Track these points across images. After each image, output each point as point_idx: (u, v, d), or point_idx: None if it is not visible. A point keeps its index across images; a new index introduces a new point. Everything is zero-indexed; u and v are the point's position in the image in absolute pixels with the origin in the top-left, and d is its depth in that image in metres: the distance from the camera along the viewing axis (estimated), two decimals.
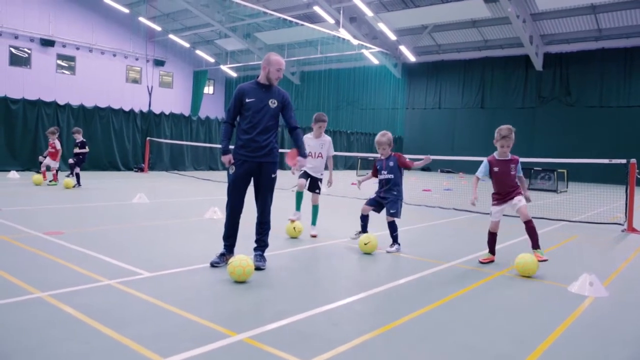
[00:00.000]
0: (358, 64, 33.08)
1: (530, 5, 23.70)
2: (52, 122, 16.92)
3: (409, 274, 5.16)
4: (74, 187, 12.03)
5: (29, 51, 29.41)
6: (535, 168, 17.97)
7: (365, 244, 6.05)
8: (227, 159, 5.14)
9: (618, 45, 24.23)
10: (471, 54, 29.17)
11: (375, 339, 3.35)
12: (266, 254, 5.29)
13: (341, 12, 26.70)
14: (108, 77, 32.69)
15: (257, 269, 4.93)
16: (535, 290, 4.84)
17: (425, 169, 30.95)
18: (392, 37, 28.48)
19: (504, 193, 5.74)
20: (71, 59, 31.33)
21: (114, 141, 18.91)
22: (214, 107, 38.99)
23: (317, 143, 7.11)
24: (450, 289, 4.67)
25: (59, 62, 30.79)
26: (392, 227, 6.29)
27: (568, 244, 7.40)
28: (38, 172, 13.31)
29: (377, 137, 6.36)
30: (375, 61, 31.53)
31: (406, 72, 32.00)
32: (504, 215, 5.88)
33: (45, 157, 12.81)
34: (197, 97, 38.28)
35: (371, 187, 6.78)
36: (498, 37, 27.37)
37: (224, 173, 5.45)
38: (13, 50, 28.74)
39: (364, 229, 6.42)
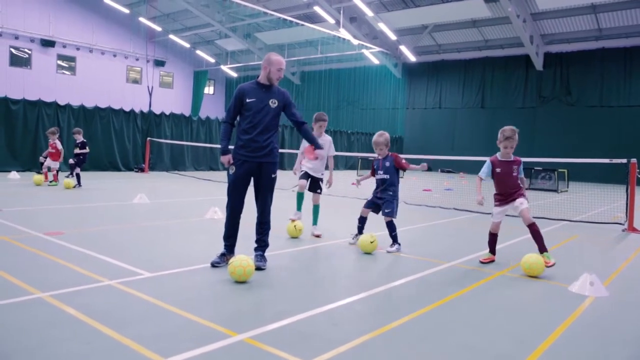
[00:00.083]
0: (358, 64, 33.08)
1: (531, 4, 23.69)
2: (52, 122, 16.93)
3: (409, 273, 5.16)
4: (74, 187, 12.04)
5: (30, 52, 29.42)
6: (535, 168, 17.96)
7: (372, 242, 6.05)
8: (226, 159, 5.14)
9: (618, 44, 24.22)
10: (471, 53, 29.16)
11: (376, 339, 3.35)
12: (266, 254, 5.30)
13: (341, 12, 26.70)
14: (108, 78, 32.70)
15: (258, 269, 4.93)
16: (535, 290, 4.84)
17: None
18: (393, 37, 28.48)
19: (506, 194, 5.69)
20: (71, 59, 31.35)
21: (114, 141, 18.92)
22: (214, 107, 39.00)
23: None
24: (451, 289, 4.67)
25: (60, 62, 30.81)
26: (391, 227, 6.30)
27: (569, 244, 7.40)
28: (38, 172, 13.32)
29: (375, 138, 6.39)
30: (376, 61, 31.52)
31: (406, 72, 32.00)
32: (505, 215, 5.86)
33: (45, 158, 12.82)
34: (197, 97, 38.29)
35: (371, 186, 6.77)
36: (498, 36, 27.36)
37: (224, 173, 5.45)
38: (13, 50, 28.76)
39: (360, 231, 6.44)
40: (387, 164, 6.35)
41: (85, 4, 31.26)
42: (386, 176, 6.33)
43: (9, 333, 3.19)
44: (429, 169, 30.62)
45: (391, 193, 6.31)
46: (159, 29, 33.84)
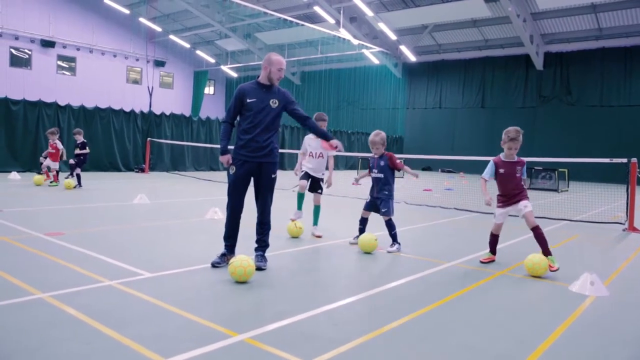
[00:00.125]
0: (358, 63, 33.08)
1: (531, 4, 23.69)
2: (52, 123, 16.93)
3: (410, 273, 5.16)
4: (74, 187, 12.05)
5: (30, 52, 29.43)
6: (536, 167, 17.96)
7: (371, 242, 6.06)
8: (225, 159, 5.14)
9: (618, 44, 24.21)
10: (471, 53, 29.16)
11: (376, 339, 3.35)
12: (267, 254, 5.30)
13: (341, 12, 26.71)
14: (108, 78, 32.71)
15: (258, 269, 4.93)
16: (536, 289, 4.84)
17: (426, 168, 30.96)
18: (393, 37, 28.48)
19: (509, 195, 5.63)
20: (72, 59, 31.36)
21: (114, 142, 18.92)
22: (214, 107, 39.01)
23: (318, 143, 7.10)
24: (451, 288, 4.67)
25: (60, 63, 30.82)
26: (390, 226, 6.31)
27: (569, 244, 7.40)
28: (39, 172, 13.32)
29: (371, 137, 6.40)
30: (376, 61, 31.52)
31: (406, 71, 32.00)
32: (508, 215, 5.82)
33: (45, 158, 12.84)
34: (197, 97, 38.30)
35: (370, 184, 6.77)
36: (498, 36, 27.36)
37: (225, 174, 5.44)
38: (13, 51, 28.77)
39: (362, 232, 6.45)
40: (382, 163, 6.37)
41: (85, 5, 31.27)
42: (380, 175, 6.37)
43: (9, 333, 3.19)
44: (430, 169, 30.64)
45: (387, 192, 6.34)
46: (159, 29, 33.85)
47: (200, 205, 9.80)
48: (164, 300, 3.94)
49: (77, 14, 31.12)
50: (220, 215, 8.27)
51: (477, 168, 27.15)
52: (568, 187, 17.87)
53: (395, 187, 6.60)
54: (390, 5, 26.84)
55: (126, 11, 31.61)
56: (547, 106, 26.45)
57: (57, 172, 12.91)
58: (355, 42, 28.46)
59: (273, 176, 5.24)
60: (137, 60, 34.22)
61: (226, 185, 5.25)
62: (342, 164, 28.37)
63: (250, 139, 5.04)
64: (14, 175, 14.30)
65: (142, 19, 32.12)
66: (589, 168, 20.38)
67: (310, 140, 7.13)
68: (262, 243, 5.25)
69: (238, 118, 5.21)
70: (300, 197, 7.20)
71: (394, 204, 6.45)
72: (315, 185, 7.12)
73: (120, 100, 29.70)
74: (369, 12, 25.87)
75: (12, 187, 12.05)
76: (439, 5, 25.32)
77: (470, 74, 29.31)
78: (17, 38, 28.54)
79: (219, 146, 5.31)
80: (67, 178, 12.57)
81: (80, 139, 12.69)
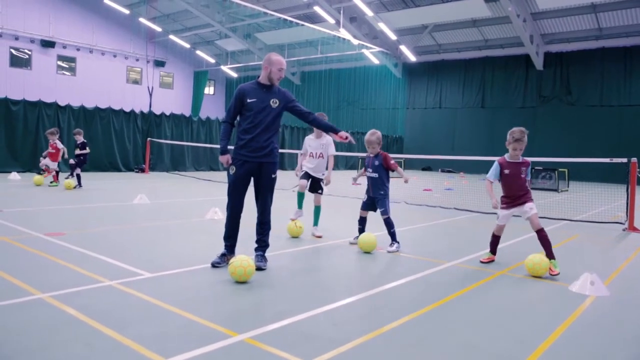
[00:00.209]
0: (358, 63, 33.08)
1: (531, 4, 23.69)
2: (52, 123, 16.94)
3: (410, 273, 5.16)
4: (74, 188, 12.05)
5: (30, 52, 29.43)
6: (536, 167, 17.95)
7: (370, 241, 6.09)
8: (225, 158, 5.14)
9: (618, 44, 24.21)
10: (471, 53, 29.16)
11: (376, 339, 3.35)
12: (267, 254, 5.30)
13: (341, 12, 26.71)
14: (108, 78, 32.72)
15: (258, 269, 4.93)
16: (536, 289, 4.84)
17: (426, 168, 30.96)
18: (393, 36, 28.48)
19: (513, 196, 5.56)
20: (72, 60, 31.36)
21: (114, 142, 18.93)
22: (214, 107, 39.01)
23: (318, 143, 7.12)
24: (451, 288, 4.67)
25: (60, 63, 30.82)
26: (388, 225, 6.33)
27: (569, 243, 7.40)
28: (39, 173, 13.32)
29: (367, 136, 6.42)
30: (376, 61, 31.53)
31: (406, 71, 32.00)
32: (512, 216, 5.74)
33: (44, 157, 12.86)
34: (197, 97, 38.30)
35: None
36: (498, 36, 27.37)
37: (225, 174, 5.44)
38: (13, 51, 28.77)
39: (361, 232, 6.46)
40: (377, 162, 6.40)
41: (86, 5, 31.27)
42: (375, 175, 6.39)
43: (10, 334, 3.19)
44: (430, 169, 30.65)
45: (382, 192, 6.37)
46: (159, 29, 33.85)
47: (200, 205, 9.80)
48: (164, 300, 3.94)
49: (77, 14, 31.13)
50: (220, 215, 8.27)
51: (477, 168, 27.37)
52: (568, 187, 17.87)
53: (395, 187, 6.62)
54: (390, 5, 26.84)
55: (126, 11, 31.61)
56: (547, 106, 26.45)
57: (57, 172, 12.91)
58: (355, 42, 28.46)
59: (273, 176, 5.24)
60: (137, 60, 34.22)
61: (226, 186, 5.25)
62: (342, 163, 28.37)
63: (251, 139, 5.04)
64: (14, 175, 14.31)
65: (142, 19, 32.12)
66: (589, 168, 20.38)
67: (311, 141, 7.15)
68: (262, 243, 5.25)
69: (238, 118, 5.21)
70: (300, 196, 7.21)
71: (390, 203, 6.47)
72: (316, 185, 7.12)
73: (120, 100, 29.70)
74: (369, 12, 25.88)
75: (12, 187, 12.06)
76: (439, 5, 25.32)
77: (470, 74, 29.31)
78: (17, 38, 28.55)
79: (218, 146, 5.31)
80: (67, 178, 12.58)
81: (80, 139, 12.70)
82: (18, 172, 15.19)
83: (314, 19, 28.89)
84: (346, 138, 5.32)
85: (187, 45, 36.69)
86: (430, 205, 11.58)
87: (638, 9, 22.21)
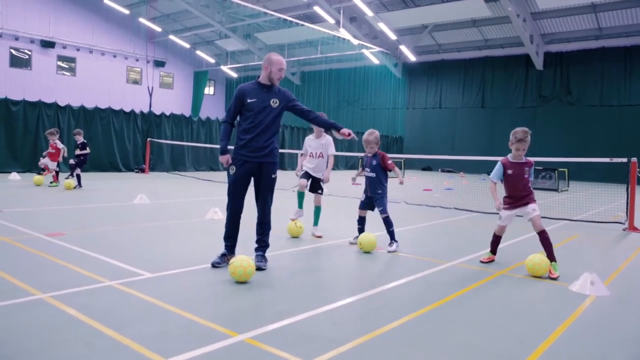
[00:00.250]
0: (358, 63, 33.10)
1: (531, 4, 23.69)
2: (52, 123, 16.95)
3: (410, 273, 5.16)
4: (74, 188, 12.06)
5: (30, 52, 29.44)
6: (536, 167, 17.92)
7: (366, 247, 6.11)
8: (225, 159, 5.14)
9: (618, 44, 24.22)
10: (471, 53, 29.17)
11: (376, 339, 3.36)
12: (267, 254, 5.30)
13: (341, 12, 26.71)
14: (108, 78, 32.73)
15: (258, 269, 4.93)
16: (536, 289, 4.84)
17: (426, 168, 30.97)
18: (393, 36, 28.49)
19: (516, 197, 5.52)
20: (71, 60, 31.37)
21: (114, 142, 18.94)
22: (214, 107, 39.02)
23: (318, 143, 7.12)
24: (451, 288, 4.67)
25: (60, 63, 30.83)
26: (387, 224, 6.34)
27: (569, 243, 7.40)
28: (39, 173, 13.32)
29: (365, 136, 6.42)
30: (376, 61, 31.53)
31: (406, 71, 32.01)
32: (515, 217, 5.70)
33: (44, 157, 12.88)
34: (197, 97, 38.31)
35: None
36: (498, 36, 27.38)
37: (225, 174, 5.45)
38: (13, 51, 28.78)
39: (361, 232, 6.47)
40: (374, 162, 6.41)
41: (85, 5, 31.28)
42: (373, 174, 6.40)
43: (10, 334, 3.19)
44: (430, 169, 30.64)
45: (380, 191, 6.38)
46: (159, 29, 33.85)
47: (201, 206, 9.80)
48: (164, 300, 3.95)
49: (77, 14, 31.14)
50: (220, 215, 8.27)
51: (477, 168, 27.36)
52: (568, 186, 17.87)
53: (395, 187, 6.62)
54: (390, 5, 26.85)
55: (126, 11, 31.61)
56: (547, 106, 26.46)
57: (57, 172, 12.92)
58: (355, 42, 28.46)
59: (273, 176, 5.23)
60: (137, 60, 34.23)
61: (226, 186, 5.25)
62: (342, 163, 28.38)
63: (251, 139, 5.04)
64: (14, 175, 14.31)
65: (142, 19, 32.13)
66: (589, 168, 20.40)
67: (310, 141, 7.16)
68: (262, 243, 5.25)
69: (238, 118, 5.21)
70: (300, 195, 7.21)
71: (388, 202, 6.49)
72: (316, 185, 7.12)
73: (120, 100, 29.71)
74: (368, 12, 25.88)
75: (12, 187, 12.06)
76: (438, 5, 25.33)
77: (470, 74, 29.32)
78: (17, 38, 28.56)
79: (218, 146, 5.31)
80: (67, 178, 12.58)
81: (80, 139, 12.70)
82: (18, 172, 15.19)
83: (314, 19, 28.90)
84: (349, 135, 5.30)
85: (187, 45, 36.70)
86: (430, 205, 11.58)
87: (638, 9, 22.22)
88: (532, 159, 5.65)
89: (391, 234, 6.33)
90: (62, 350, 2.98)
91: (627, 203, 8.96)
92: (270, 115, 5.09)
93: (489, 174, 5.85)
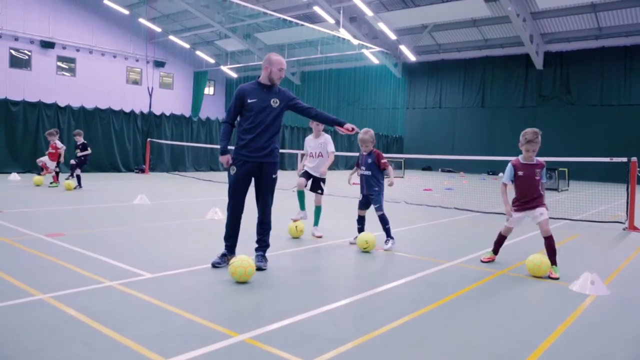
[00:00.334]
0: (358, 63, 33.10)
1: (531, 4, 23.70)
2: (52, 123, 16.95)
3: (410, 273, 5.16)
4: (74, 188, 12.06)
5: (29, 53, 29.45)
6: None
7: (365, 246, 6.12)
8: (225, 159, 5.14)
9: (618, 43, 24.23)
10: (471, 53, 29.18)
11: (376, 339, 3.36)
12: (267, 254, 5.30)
13: (341, 12, 26.72)
14: (108, 79, 32.75)
15: (259, 269, 4.93)
16: (536, 289, 4.83)
17: (426, 168, 30.96)
18: (392, 36, 28.49)
19: (526, 200, 5.43)
20: (71, 60, 31.38)
21: (114, 142, 18.94)
22: (214, 107, 39.03)
23: (317, 143, 7.13)
24: (451, 288, 4.67)
25: (59, 63, 30.84)
26: (383, 221, 6.37)
27: (569, 243, 7.40)
28: (39, 173, 13.33)
29: (360, 135, 6.41)
30: (376, 61, 31.53)
31: (406, 71, 32.01)
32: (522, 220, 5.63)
33: (44, 157, 12.92)
34: (197, 98, 38.32)
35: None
36: (498, 36, 27.38)
37: (225, 174, 5.45)
38: (13, 52, 28.79)
39: (361, 232, 6.48)
40: (369, 160, 6.43)
41: (85, 5, 31.29)
42: (368, 172, 6.43)
43: (10, 335, 3.19)
44: (430, 169, 30.63)
45: (377, 189, 6.40)
46: (158, 29, 33.86)
47: (201, 206, 9.80)
48: (164, 300, 3.95)
49: (77, 14, 31.15)
50: (220, 215, 8.27)
51: (477, 168, 27.36)
52: (568, 186, 17.87)
53: (395, 187, 6.62)
54: (390, 5, 26.85)
55: (126, 12, 31.62)
56: (547, 106, 26.46)
57: (58, 173, 12.91)
58: (355, 42, 28.47)
59: (274, 176, 5.23)
60: (137, 60, 34.24)
61: (226, 186, 5.26)
62: (342, 163, 28.39)
63: (251, 139, 5.04)
64: (14, 176, 14.32)
65: (141, 20, 32.14)
66: (589, 167, 20.40)
67: (310, 141, 7.17)
68: (262, 243, 5.25)
69: (238, 118, 5.21)
70: (301, 195, 7.20)
71: (384, 200, 6.51)
72: (316, 185, 7.12)
73: (120, 100, 29.73)
74: (368, 12, 25.88)
75: (12, 188, 12.06)
76: (438, 5, 25.33)
77: (470, 74, 29.32)
78: (16, 39, 28.57)
79: (219, 146, 5.31)
80: (67, 179, 12.58)
81: (80, 140, 12.70)
82: (18, 172, 15.19)
83: (314, 19, 28.90)
84: (352, 130, 5.31)
85: (187, 46, 36.70)
86: (430, 205, 11.58)
87: (638, 9, 22.22)
88: (542, 159, 5.57)
89: (387, 231, 6.36)
90: (62, 351, 2.99)
91: (627, 202, 8.96)
92: (270, 115, 5.09)
93: (489, 174, 5.83)
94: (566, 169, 18.00)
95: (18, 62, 29.02)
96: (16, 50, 28.88)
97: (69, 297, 3.94)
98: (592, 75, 25.08)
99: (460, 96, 29.87)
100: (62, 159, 12.85)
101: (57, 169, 12.90)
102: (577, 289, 4.69)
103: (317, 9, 26.35)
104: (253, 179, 5.21)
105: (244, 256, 4.65)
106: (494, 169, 25.77)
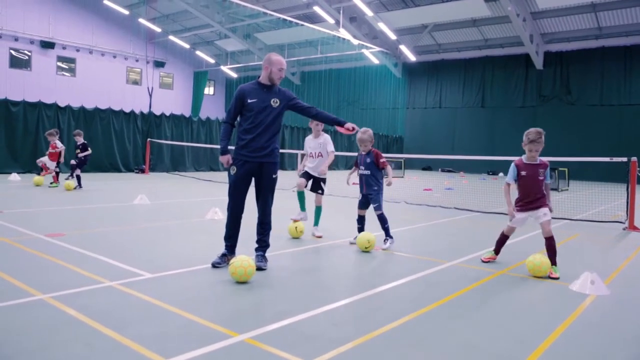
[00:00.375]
0: (358, 63, 33.10)
1: (531, 3, 23.70)
2: (52, 124, 16.95)
3: (410, 273, 5.16)
4: (74, 189, 12.06)
5: (29, 53, 29.46)
6: None
7: (367, 247, 6.13)
8: (225, 159, 5.14)
9: (618, 43, 24.23)
10: (471, 53, 29.18)
11: (376, 339, 3.36)
12: (267, 254, 5.30)
13: (341, 12, 26.72)
14: (108, 79, 32.75)
15: (259, 269, 4.93)
16: (536, 289, 4.83)
17: (426, 168, 30.96)
18: (392, 36, 28.49)
19: (529, 200, 5.40)
20: (71, 60, 31.39)
21: (114, 142, 18.95)
22: (214, 107, 39.03)
23: (316, 143, 7.14)
24: (451, 288, 4.67)
25: (59, 64, 30.84)
26: (382, 220, 6.38)
27: (569, 242, 7.40)
28: (39, 173, 13.34)
29: (359, 135, 6.41)
30: (376, 61, 31.53)
31: (406, 71, 32.01)
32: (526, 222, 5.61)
33: (44, 156, 12.92)
34: (197, 98, 38.33)
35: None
36: (498, 36, 27.38)
37: (225, 174, 5.45)
38: (13, 52, 28.80)
39: (360, 231, 6.48)
40: (368, 160, 6.44)
41: (85, 6, 31.29)
42: (367, 172, 6.43)
43: (10, 335, 3.19)
44: (430, 169, 30.63)
45: (376, 188, 6.40)
46: (158, 30, 33.86)
47: (201, 206, 9.80)
48: (164, 300, 3.95)
49: (77, 15, 31.16)
50: (220, 215, 8.27)
51: (477, 167, 27.36)
52: (568, 186, 17.87)
53: (395, 187, 6.62)
54: (390, 5, 26.85)
55: (126, 12, 31.63)
56: (547, 105, 26.46)
57: (58, 173, 12.91)
58: (355, 42, 28.47)
59: (274, 176, 5.24)
60: (137, 61, 34.24)
61: (226, 186, 5.26)
62: (342, 163, 28.39)
63: (252, 139, 5.04)
64: (14, 176, 14.32)
65: (141, 20, 32.14)
66: (589, 167, 20.40)
67: (309, 142, 7.18)
68: (262, 243, 5.25)
69: (238, 118, 5.21)
70: (301, 195, 7.20)
71: (383, 200, 6.52)
72: (316, 185, 7.12)
73: (120, 101, 29.73)
74: (368, 12, 25.88)
75: (12, 188, 12.06)
76: (438, 5, 25.34)
77: (470, 74, 29.33)
78: (16, 39, 28.58)
79: (219, 146, 5.31)
80: (67, 179, 12.58)
81: (80, 140, 12.70)
82: (18, 173, 15.19)
83: (314, 19, 28.90)
84: (353, 129, 5.32)
85: (187, 46, 36.71)
86: (430, 205, 11.58)
87: (638, 8, 22.22)
88: (545, 159, 5.55)
89: (386, 231, 6.37)
90: (62, 351, 2.99)
91: (627, 202, 8.96)
92: (270, 115, 5.09)
93: (489, 174, 5.82)
94: (566, 169, 18.00)
95: (18, 62, 29.03)
96: (16, 50, 28.88)
97: (69, 297, 3.94)
98: (592, 75, 25.08)
99: (460, 96, 29.87)
100: (62, 159, 12.84)
101: (57, 169, 12.89)
102: (577, 289, 4.69)
103: (317, 9, 26.36)
104: (253, 179, 5.21)
105: (244, 256, 4.65)
106: (494, 169, 25.78)
